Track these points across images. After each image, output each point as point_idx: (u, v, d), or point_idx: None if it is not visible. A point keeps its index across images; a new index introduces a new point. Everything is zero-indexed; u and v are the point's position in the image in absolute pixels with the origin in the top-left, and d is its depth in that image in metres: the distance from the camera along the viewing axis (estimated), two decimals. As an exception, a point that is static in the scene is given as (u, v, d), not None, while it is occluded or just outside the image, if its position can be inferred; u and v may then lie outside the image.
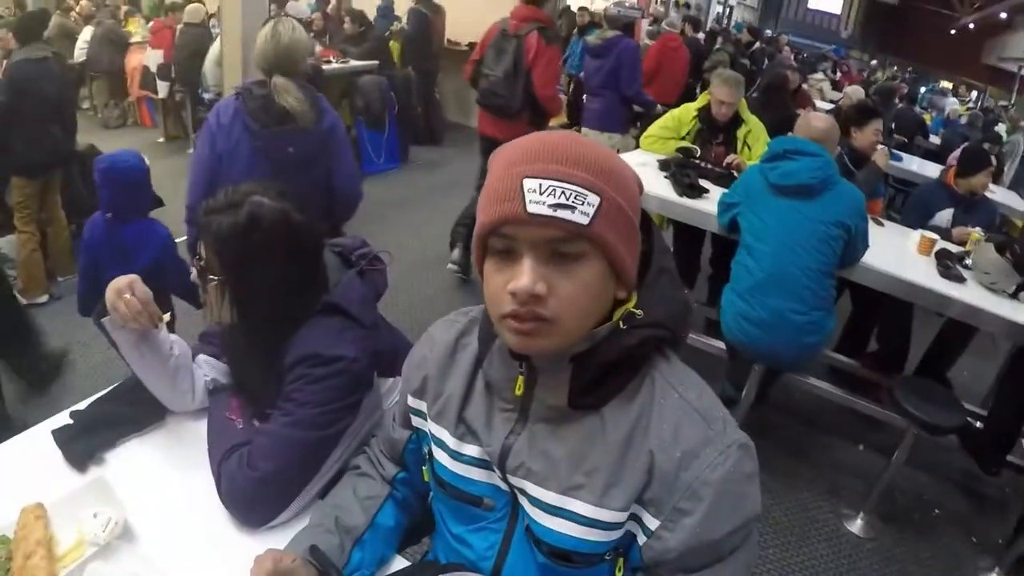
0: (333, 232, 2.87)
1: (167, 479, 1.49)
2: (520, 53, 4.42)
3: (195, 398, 1.65)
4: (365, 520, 1.31)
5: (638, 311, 1.02)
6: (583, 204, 0.89)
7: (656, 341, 1.04)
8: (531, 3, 4.51)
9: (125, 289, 1.39)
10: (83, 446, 1.51)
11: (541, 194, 0.89)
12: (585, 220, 0.90)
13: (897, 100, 10.21)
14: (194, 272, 1.48)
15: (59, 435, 1.52)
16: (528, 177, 0.90)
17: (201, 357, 1.69)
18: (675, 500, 0.99)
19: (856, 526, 3.27)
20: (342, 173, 2.83)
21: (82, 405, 1.63)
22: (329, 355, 1.43)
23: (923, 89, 18.09)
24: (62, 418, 1.58)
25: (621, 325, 1.01)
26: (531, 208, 0.89)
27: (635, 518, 1.04)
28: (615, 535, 1.04)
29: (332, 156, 2.78)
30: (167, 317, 1.49)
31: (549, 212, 0.89)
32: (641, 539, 1.04)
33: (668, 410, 1.02)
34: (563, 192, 0.89)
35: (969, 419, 3.29)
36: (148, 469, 1.51)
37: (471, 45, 8.66)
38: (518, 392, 1.08)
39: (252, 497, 1.38)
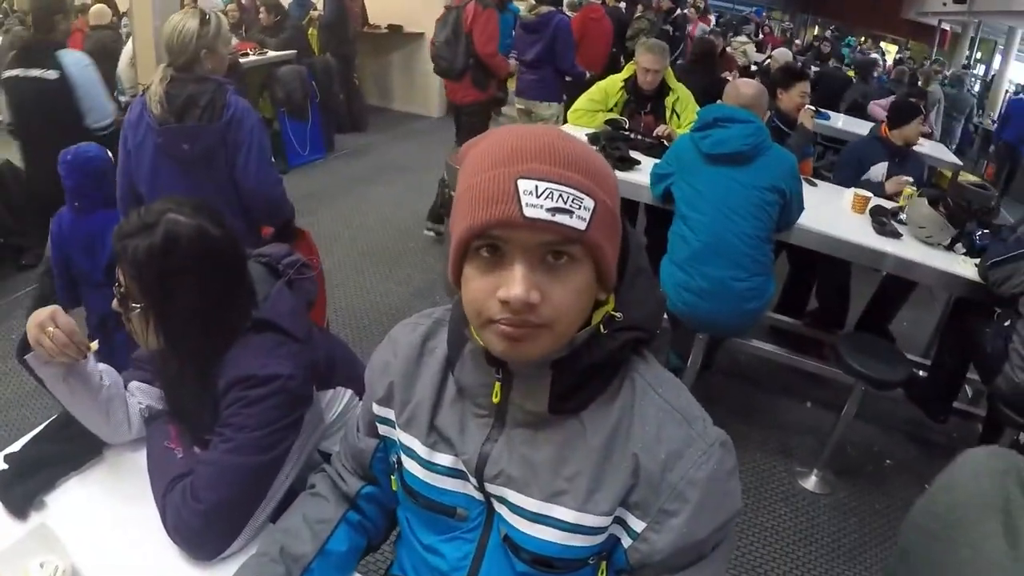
0: (280, 235, 2.81)
1: (111, 517, 1.43)
2: (459, 21, 5.23)
3: (131, 428, 1.57)
4: (314, 547, 1.25)
5: (617, 313, 1.00)
6: (580, 208, 0.85)
7: (635, 342, 1.02)
8: None
9: (47, 322, 1.30)
10: (21, 491, 1.43)
11: (538, 197, 0.83)
12: (583, 225, 0.85)
13: (830, 62, 10.39)
14: (115, 301, 1.40)
15: None
16: (523, 178, 0.84)
17: (133, 384, 1.61)
18: (661, 502, 0.98)
19: (811, 483, 3.32)
20: (245, 170, 2.62)
21: (15, 447, 1.54)
22: (264, 375, 1.36)
23: (845, 48, 18.53)
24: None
25: (602, 328, 0.98)
26: (528, 212, 0.83)
27: (619, 521, 1.02)
28: (599, 539, 1.03)
29: (235, 151, 2.61)
30: (95, 346, 1.41)
31: (547, 216, 0.83)
32: (626, 542, 1.02)
33: (649, 411, 1.01)
34: (560, 195, 0.84)
35: (913, 369, 3.35)
36: (91, 509, 1.44)
37: (391, 27, 8.60)
38: (495, 399, 1.04)
39: (200, 530, 1.32)
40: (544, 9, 5.68)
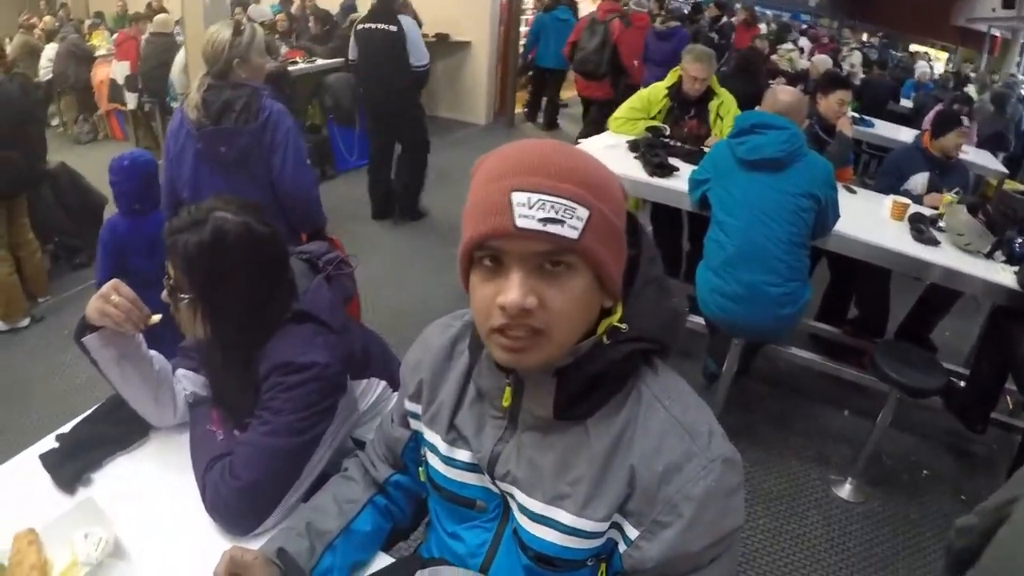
0: (314, 237, 2.89)
1: (154, 495, 1.51)
2: (607, 34, 6.89)
3: (177, 413, 1.67)
4: (339, 524, 1.33)
5: (623, 325, 1.02)
6: (572, 218, 0.89)
7: (642, 353, 1.05)
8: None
9: (110, 292, 1.40)
10: (71, 469, 1.52)
11: (530, 208, 0.88)
12: (575, 234, 0.89)
13: (876, 69, 10.30)
14: (164, 291, 1.49)
15: (46, 459, 1.54)
16: (516, 190, 0.88)
17: (180, 371, 1.71)
18: (655, 513, 1.01)
19: (845, 491, 3.31)
20: (282, 171, 2.73)
21: (66, 428, 1.64)
22: (302, 362, 1.45)
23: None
24: (48, 442, 1.60)
25: (605, 340, 1.02)
26: (520, 223, 0.88)
27: (617, 527, 1.06)
28: (596, 543, 1.07)
29: (271, 154, 2.72)
30: (156, 318, 1.50)
31: (539, 227, 0.88)
32: (622, 547, 1.06)
33: (653, 424, 1.03)
34: (552, 206, 0.88)
35: (952, 379, 3.33)
36: (135, 486, 1.53)
37: (438, 36, 8.71)
38: (505, 403, 1.09)
39: (237, 506, 1.40)
40: (673, 24, 7.55)
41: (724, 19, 11.02)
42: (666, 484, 1.00)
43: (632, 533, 1.03)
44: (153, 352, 1.61)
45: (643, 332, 1.03)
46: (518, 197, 0.88)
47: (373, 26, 5.44)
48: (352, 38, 5.65)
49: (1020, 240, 3.27)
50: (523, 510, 1.09)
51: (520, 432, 1.11)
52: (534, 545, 1.09)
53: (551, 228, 0.88)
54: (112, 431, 1.63)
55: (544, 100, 9.58)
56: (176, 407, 1.66)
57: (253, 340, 1.50)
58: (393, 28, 5.36)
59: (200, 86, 2.66)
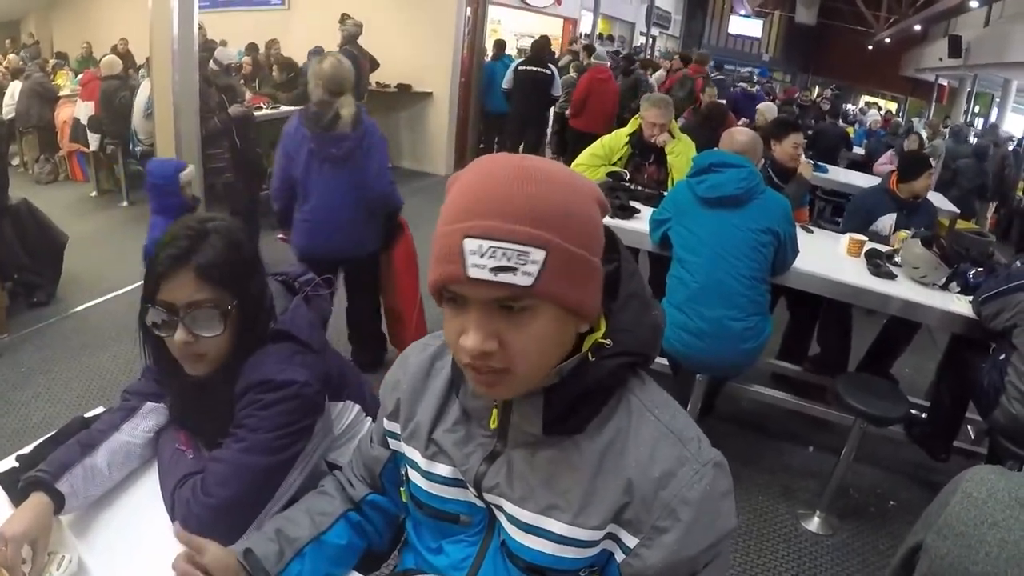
0: (389, 219, 3.89)
1: (119, 515, 1.48)
2: (693, 87, 9.37)
3: (142, 460, 1.60)
4: (310, 533, 1.30)
5: (607, 340, 1.02)
6: (526, 263, 0.85)
7: (628, 365, 1.05)
8: (698, 63, 10.51)
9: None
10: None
11: (481, 256, 0.85)
12: (528, 281, 0.86)
13: (826, 118, 10.65)
14: (184, 335, 1.40)
15: (4, 479, 1.48)
16: (468, 237, 0.86)
17: (148, 406, 1.62)
18: (653, 519, 1.01)
19: (814, 524, 3.32)
20: (370, 172, 3.60)
21: (27, 449, 1.59)
22: (281, 380, 1.43)
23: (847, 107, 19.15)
24: (8, 463, 1.55)
25: (590, 357, 1.02)
26: (472, 272, 0.85)
27: (612, 537, 1.05)
28: (590, 552, 1.06)
29: (365, 156, 3.56)
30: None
31: (490, 276, 0.85)
32: (619, 557, 1.05)
33: (644, 432, 1.04)
34: (504, 253, 0.85)
35: (914, 411, 3.38)
36: (99, 507, 1.49)
37: (400, 87, 8.90)
38: (493, 425, 1.09)
39: (208, 523, 1.36)
40: (757, 86, 10.05)
41: (681, 72, 11.28)
42: (662, 489, 1.00)
43: (631, 542, 1.03)
44: (104, 447, 1.52)
45: (627, 347, 1.03)
46: (469, 245, 0.86)
47: (531, 68, 8.37)
48: (511, 74, 8.50)
49: (974, 271, 3.36)
50: (513, 521, 1.08)
51: (509, 449, 1.10)
52: (525, 556, 1.08)
53: (502, 277, 0.86)
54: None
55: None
56: (143, 457, 1.60)
57: (240, 354, 1.47)
58: (547, 72, 8.38)
59: (320, 101, 3.49)
